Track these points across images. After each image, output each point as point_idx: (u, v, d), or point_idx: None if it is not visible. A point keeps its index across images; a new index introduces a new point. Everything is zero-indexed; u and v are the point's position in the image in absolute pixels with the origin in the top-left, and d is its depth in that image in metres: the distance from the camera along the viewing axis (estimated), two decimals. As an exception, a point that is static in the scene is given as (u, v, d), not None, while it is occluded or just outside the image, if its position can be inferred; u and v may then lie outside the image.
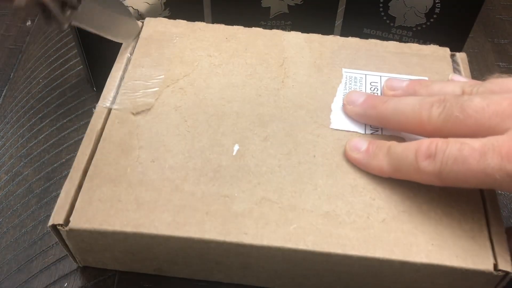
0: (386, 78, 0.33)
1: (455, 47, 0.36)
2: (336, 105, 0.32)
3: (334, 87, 0.33)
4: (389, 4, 0.38)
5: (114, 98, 0.32)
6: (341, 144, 0.30)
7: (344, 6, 0.40)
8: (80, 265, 0.30)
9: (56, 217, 0.26)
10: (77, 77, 0.42)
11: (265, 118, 0.31)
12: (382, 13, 0.39)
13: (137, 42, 0.35)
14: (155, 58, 0.34)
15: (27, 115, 0.39)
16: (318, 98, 0.32)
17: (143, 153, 0.29)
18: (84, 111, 0.39)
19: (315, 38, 0.36)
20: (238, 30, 0.36)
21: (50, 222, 0.26)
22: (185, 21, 0.37)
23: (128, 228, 0.26)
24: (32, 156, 0.37)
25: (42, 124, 0.39)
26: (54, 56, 0.44)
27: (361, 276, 0.27)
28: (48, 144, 0.37)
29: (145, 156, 0.29)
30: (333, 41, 0.36)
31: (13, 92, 0.41)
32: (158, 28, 0.36)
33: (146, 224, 0.26)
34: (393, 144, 0.28)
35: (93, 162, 0.29)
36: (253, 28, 0.37)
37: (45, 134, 0.38)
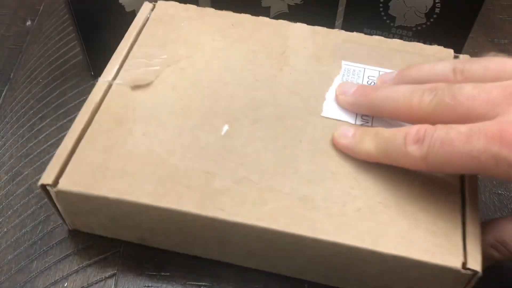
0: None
1: (455, 47, 0.36)
2: (331, 94, 0.32)
3: (332, 78, 0.33)
4: (389, 4, 0.38)
5: (117, 73, 0.33)
6: (329, 132, 0.30)
7: (344, 6, 0.40)
8: (69, 228, 0.32)
9: (46, 177, 0.28)
10: (77, 77, 0.42)
11: (258, 102, 0.32)
12: (382, 13, 0.39)
13: (146, 22, 0.36)
14: (161, 39, 0.35)
15: (27, 115, 0.39)
16: (314, 87, 0.33)
17: (136, 126, 0.30)
18: (84, 111, 0.39)
19: (320, 30, 0.36)
20: (245, 18, 0.37)
21: (40, 182, 0.27)
22: (195, 6, 0.38)
23: (112, 194, 0.27)
24: (32, 156, 0.37)
25: (42, 124, 0.39)
26: (54, 56, 0.44)
27: (331, 262, 0.28)
28: (48, 144, 0.37)
29: (137, 129, 0.30)
30: (337, 34, 0.36)
31: (13, 92, 0.41)
32: (168, 11, 0.37)
33: (128, 192, 0.27)
34: (380, 129, 0.28)
35: (88, 130, 0.30)
36: (260, 17, 0.37)
37: (45, 134, 0.38)
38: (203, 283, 0.30)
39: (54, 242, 0.32)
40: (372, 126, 0.30)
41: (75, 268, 0.31)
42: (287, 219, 0.26)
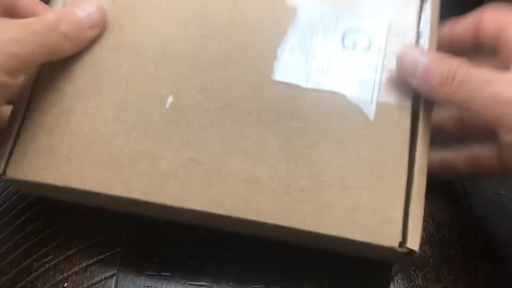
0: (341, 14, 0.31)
1: (455, 47, 0.36)
2: (283, 50, 0.30)
3: (285, 28, 0.31)
4: (389, 5, 0.38)
5: None
6: (280, 100, 0.29)
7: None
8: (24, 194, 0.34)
9: None
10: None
11: (205, 64, 0.30)
12: (382, 14, 0.39)
13: None
14: None
15: (28, 116, 0.39)
16: (266, 41, 0.30)
17: (75, 103, 0.29)
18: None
19: None
20: None
21: None
22: None
23: (59, 182, 0.27)
24: (32, 156, 0.37)
25: (43, 125, 0.39)
26: (55, 57, 0.44)
27: (280, 240, 0.29)
28: (48, 144, 0.37)
29: (77, 106, 0.29)
30: None
31: (13, 92, 0.41)
32: None
33: (75, 179, 0.27)
34: None
35: (29, 109, 0.29)
36: None
37: (45, 134, 0.38)
38: (203, 283, 0.30)
39: (54, 243, 0.32)
40: (324, 89, 0.29)
41: (75, 268, 0.31)
42: (232, 203, 0.27)
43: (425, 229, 0.33)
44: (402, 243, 0.26)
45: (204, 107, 0.29)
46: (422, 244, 0.27)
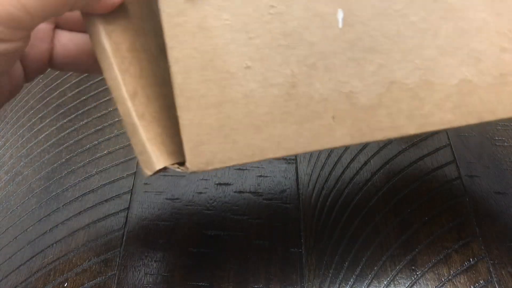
0: None
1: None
2: None
3: None
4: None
5: None
6: None
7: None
8: None
9: (162, 159, 0.23)
10: (77, 76, 0.42)
11: None
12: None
13: None
14: None
15: (27, 115, 0.39)
16: None
17: (229, 59, 0.22)
18: (84, 111, 0.39)
19: None
20: None
21: (157, 166, 0.22)
22: None
23: (256, 158, 0.23)
24: (32, 156, 0.37)
25: (42, 124, 0.39)
26: (54, 56, 0.44)
27: None
28: (48, 144, 0.37)
29: (234, 62, 0.22)
30: None
31: (13, 92, 0.41)
32: None
33: (272, 147, 0.23)
34: None
35: (175, 78, 0.22)
36: None
37: (45, 134, 0.38)
38: (203, 283, 0.30)
39: (54, 242, 0.32)
40: None
41: (75, 268, 0.31)
42: (451, 114, 0.23)
43: (424, 229, 0.33)
44: None
45: (385, 10, 0.23)
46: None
